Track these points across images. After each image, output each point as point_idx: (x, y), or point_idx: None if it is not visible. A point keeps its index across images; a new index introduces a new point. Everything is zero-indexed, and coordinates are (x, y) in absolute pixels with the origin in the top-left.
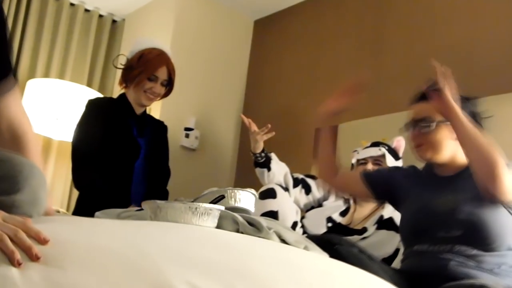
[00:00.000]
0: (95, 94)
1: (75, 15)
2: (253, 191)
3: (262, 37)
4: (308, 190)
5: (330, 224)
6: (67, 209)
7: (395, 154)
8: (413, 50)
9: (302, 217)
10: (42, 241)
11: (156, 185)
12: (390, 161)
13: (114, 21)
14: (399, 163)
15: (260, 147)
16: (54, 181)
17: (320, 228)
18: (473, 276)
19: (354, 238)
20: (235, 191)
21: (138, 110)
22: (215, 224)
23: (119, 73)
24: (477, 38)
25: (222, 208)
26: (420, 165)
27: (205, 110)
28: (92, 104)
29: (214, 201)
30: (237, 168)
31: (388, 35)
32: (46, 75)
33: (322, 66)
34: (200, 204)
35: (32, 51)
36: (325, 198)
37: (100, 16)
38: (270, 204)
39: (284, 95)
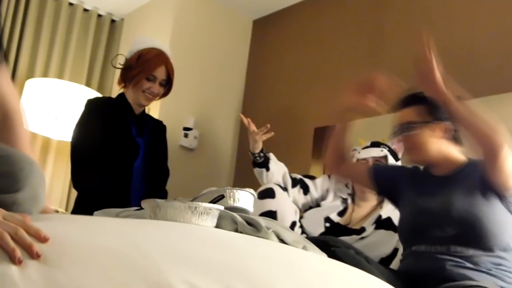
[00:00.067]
0: (94, 93)
1: (74, 15)
2: (252, 191)
3: (261, 37)
4: (306, 190)
5: (328, 224)
6: (66, 209)
7: (395, 155)
8: (412, 50)
9: (300, 217)
10: (42, 239)
11: (155, 185)
12: (391, 162)
13: (113, 21)
14: (399, 164)
15: (259, 147)
16: (53, 181)
17: (318, 228)
18: (470, 277)
19: (353, 238)
20: (234, 191)
21: (137, 110)
22: (215, 224)
23: (118, 72)
24: (476, 38)
25: (222, 207)
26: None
27: (204, 110)
28: (92, 104)
29: (214, 201)
30: (236, 167)
31: (387, 34)
32: (45, 74)
33: (321, 65)
34: (200, 203)
35: (31, 51)
36: (323, 198)
37: (99, 15)
38: (268, 204)
39: (283, 95)
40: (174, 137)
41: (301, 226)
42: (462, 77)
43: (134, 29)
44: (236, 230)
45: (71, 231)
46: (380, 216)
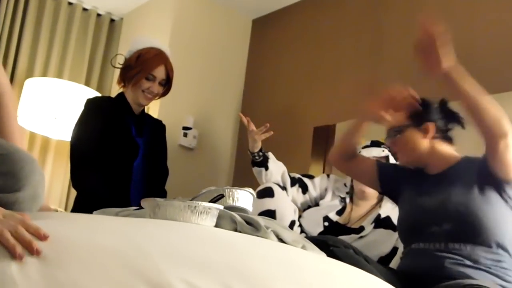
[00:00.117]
0: (93, 93)
1: (73, 14)
2: (251, 190)
3: (261, 36)
4: (305, 189)
5: (327, 224)
6: (65, 209)
7: (395, 156)
8: (412, 50)
9: (299, 217)
10: (42, 237)
11: (154, 185)
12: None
13: (112, 20)
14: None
15: (258, 146)
16: (52, 180)
17: (317, 227)
18: (469, 276)
19: (352, 237)
20: (233, 190)
21: (137, 110)
22: (214, 223)
23: (117, 72)
24: (476, 38)
25: (221, 207)
26: None
27: (203, 109)
28: (91, 103)
29: (214, 200)
30: (235, 167)
31: (387, 34)
32: (44, 74)
33: (321, 65)
34: (200, 202)
35: (30, 50)
36: (321, 197)
37: (98, 15)
38: (267, 203)
39: (283, 94)
40: (173, 137)
41: (300, 226)
42: None
43: (133, 29)
44: (236, 230)
45: (71, 230)
46: (379, 215)
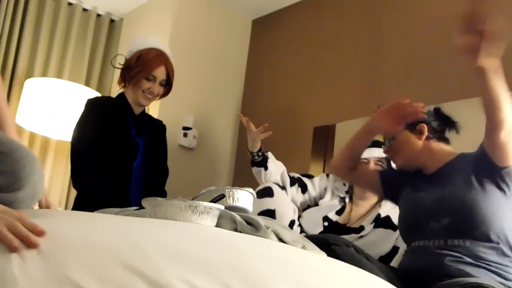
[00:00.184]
0: (93, 93)
1: (73, 14)
2: (251, 190)
3: (260, 37)
4: (304, 189)
5: (326, 223)
6: (65, 209)
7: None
8: (411, 50)
9: (299, 217)
10: (39, 233)
11: (154, 185)
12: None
13: (112, 21)
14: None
15: (257, 146)
16: (52, 180)
17: (317, 227)
18: (469, 273)
19: (351, 236)
20: (234, 190)
21: (137, 110)
22: (215, 223)
23: (117, 72)
24: None
25: (222, 207)
26: None
27: (203, 110)
28: (92, 104)
29: (214, 200)
30: (235, 167)
31: (387, 34)
32: (44, 74)
33: (320, 65)
34: (200, 202)
35: (30, 50)
36: (321, 197)
37: (98, 15)
38: (267, 203)
39: (282, 94)
40: (173, 137)
41: (300, 226)
42: (462, 77)
43: (133, 29)
44: (236, 230)
45: (70, 228)
46: (379, 214)
